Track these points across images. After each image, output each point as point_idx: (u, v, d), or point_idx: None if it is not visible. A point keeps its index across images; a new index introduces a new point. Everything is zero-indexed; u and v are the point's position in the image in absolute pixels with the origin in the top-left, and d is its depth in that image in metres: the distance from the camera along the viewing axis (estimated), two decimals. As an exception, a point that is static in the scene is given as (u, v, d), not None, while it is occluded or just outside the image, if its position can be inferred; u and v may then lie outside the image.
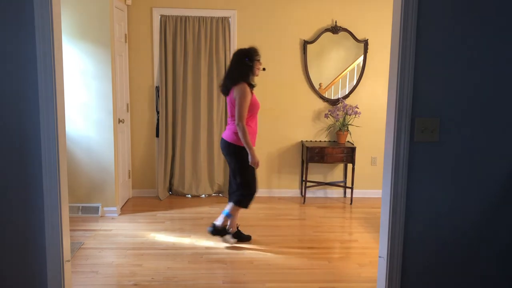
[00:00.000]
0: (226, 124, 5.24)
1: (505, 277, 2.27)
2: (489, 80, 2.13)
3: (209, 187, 5.60)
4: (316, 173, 5.64)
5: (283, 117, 5.57)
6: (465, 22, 2.10)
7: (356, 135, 5.57)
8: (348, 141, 5.55)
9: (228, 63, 5.06)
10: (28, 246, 2.21)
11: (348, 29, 5.45)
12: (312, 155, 5.26)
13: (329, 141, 5.62)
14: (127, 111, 5.34)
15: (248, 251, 3.94)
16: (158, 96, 5.41)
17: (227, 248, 3.99)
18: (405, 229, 2.22)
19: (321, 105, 5.59)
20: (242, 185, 3.92)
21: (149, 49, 5.38)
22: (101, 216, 4.75)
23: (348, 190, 5.65)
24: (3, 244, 2.21)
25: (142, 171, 5.55)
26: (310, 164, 5.52)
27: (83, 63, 4.59)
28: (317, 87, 5.56)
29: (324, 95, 5.57)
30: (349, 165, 5.57)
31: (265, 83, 5.46)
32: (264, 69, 3.91)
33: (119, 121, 4.96)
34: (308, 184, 5.54)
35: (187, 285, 3.27)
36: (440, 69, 2.12)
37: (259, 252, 3.91)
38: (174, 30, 5.32)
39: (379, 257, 2.33)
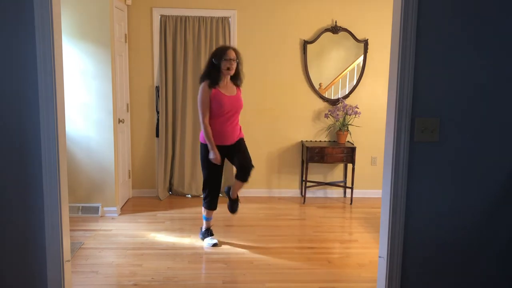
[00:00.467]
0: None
1: (505, 277, 2.27)
2: (489, 80, 2.13)
3: (209, 187, 5.60)
4: (316, 173, 5.64)
5: (283, 117, 5.57)
6: (465, 22, 2.10)
7: (356, 135, 5.57)
8: (348, 141, 5.55)
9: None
10: (28, 246, 2.21)
11: (348, 29, 5.45)
12: (312, 155, 5.26)
13: (329, 141, 5.62)
14: (127, 111, 5.34)
15: (248, 251, 3.94)
16: (158, 96, 5.41)
17: (227, 248, 3.99)
18: (405, 229, 2.22)
19: (321, 105, 5.59)
20: (203, 183, 4.06)
21: (149, 49, 5.38)
22: (101, 216, 4.75)
23: (348, 190, 5.65)
24: (3, 244, 2.21)
25: (142, 171, 5.55)
26: (310, 164, 5.52)
27: (83, 63, 4.59)
28: (317, 87, 5.56)
29: (324, 95, 5.57)
30: (349, 165, 5.57)
31: (265, 83, 5.47)
32: (228, 68, 3.80)
33: (119, 121, 4.96)
34: (308, 184, 5.54)
35: (187, 285, 3.27)
36: (440, 69, 2.12)
37: (259, 252, 3.91)
38: (174, 30, 5.32)
39: (379, 257, 2.33)
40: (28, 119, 2.12)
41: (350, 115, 5.35)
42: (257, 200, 5.50)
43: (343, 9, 5.43)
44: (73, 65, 4.57)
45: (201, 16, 5.31)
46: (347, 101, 5.52)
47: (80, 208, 4.76)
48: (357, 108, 5.38)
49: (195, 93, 5.40)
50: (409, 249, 2.24)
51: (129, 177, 5.46)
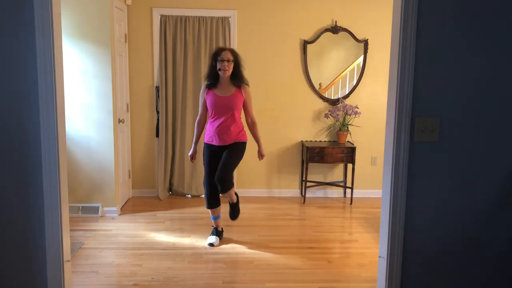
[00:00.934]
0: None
1: (505, 277, 2.27)
2: (489, 80, 2.13)
3: (209, 187, 5.60)
4: (316, 173, 5.64)
5: (283, 117, 5.57)
6: (465, 22, 2.09)
7: (356, 135, 5.57)
8: (348, 141, 5.55)
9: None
10: (28, 246, 2.21)
11: (348, 29, 5.45)
12: (312, 155, 5.26)
13: (329, 141, 5.62)
14: (127, 111, 5.34)
15: (248, 251, 3.94)
16: (158, 96, 5.41)
17: (227, 248, 3.99)
18: (405, 229, 2.22)
19: (321, 105, 5.59)
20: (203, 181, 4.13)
21: (149, 49, 5.38)
22: (101, 216, 4.75)
23: (348, 190, 5.65)
24: (3, 244, 2.21)
25: (142, 171, 5.55)
26: (310, 164, 5.52)
27: (83, 63, 4.59)
28: (317, 87, 5.56)
29: (324, 95, 5.57)
30: (349, 165, 5.57)
31: (265, 83, 5.46)
32: (219, 69, 3.81)
33: (119, 121, 4.96)
34: (308, 184, 5.54)
35: (187, 285, 3.27)
36: (440, 69, 2.12)
37: (259, 252, 3.91)
38: (174, 30, 5.32)
39: (379, 257, 2.33)
40: (28, 119, 2.12)
41: (350, 115, 5.35)
42: (257, 200, 5.50)
43: (343, 9, 5.43)
44: (73, 65, 4.57)
45: (201, 16, 5.31)
46: (347, 101, 5.52)
47: (80, 208, 4.76)
48: (357, 108, 5.38)
49: (195, 93, 5.40)
50: (409, 249, 2.24)
51: (129, 177, 5.46)
